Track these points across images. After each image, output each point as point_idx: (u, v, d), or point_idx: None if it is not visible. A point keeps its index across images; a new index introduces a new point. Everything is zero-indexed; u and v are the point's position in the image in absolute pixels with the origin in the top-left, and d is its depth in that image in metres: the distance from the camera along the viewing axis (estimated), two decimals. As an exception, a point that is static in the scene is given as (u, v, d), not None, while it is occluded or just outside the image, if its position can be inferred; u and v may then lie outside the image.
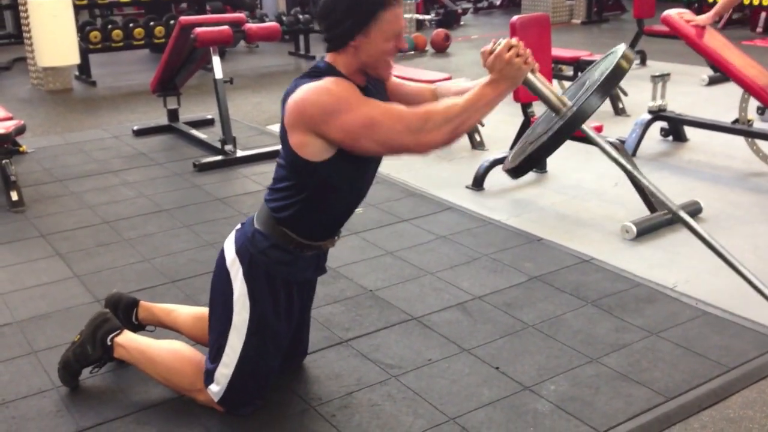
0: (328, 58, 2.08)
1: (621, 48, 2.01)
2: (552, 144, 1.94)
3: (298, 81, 2.04)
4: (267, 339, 2.22)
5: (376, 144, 1.96)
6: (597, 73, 2.05)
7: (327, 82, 1.97)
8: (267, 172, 4.65)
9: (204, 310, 2.52)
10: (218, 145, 4.91)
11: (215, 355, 2.24)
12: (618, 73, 1.93)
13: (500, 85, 1.96)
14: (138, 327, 2.58)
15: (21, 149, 5.08)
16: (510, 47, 1.95)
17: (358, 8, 1.96)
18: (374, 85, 2.17)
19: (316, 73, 2.04)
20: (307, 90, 1.97)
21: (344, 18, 1.98)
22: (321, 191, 2.10)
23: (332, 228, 2.25)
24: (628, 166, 2.11)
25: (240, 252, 2.19)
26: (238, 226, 2.30)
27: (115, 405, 2.34)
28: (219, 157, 4.82)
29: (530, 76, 2.00)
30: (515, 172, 2.04)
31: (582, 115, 1.91)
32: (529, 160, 1.99)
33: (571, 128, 1.92)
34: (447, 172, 4.55)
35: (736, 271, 2.11)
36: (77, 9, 7.52)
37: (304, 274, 2.26)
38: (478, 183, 4.27)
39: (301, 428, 2.23)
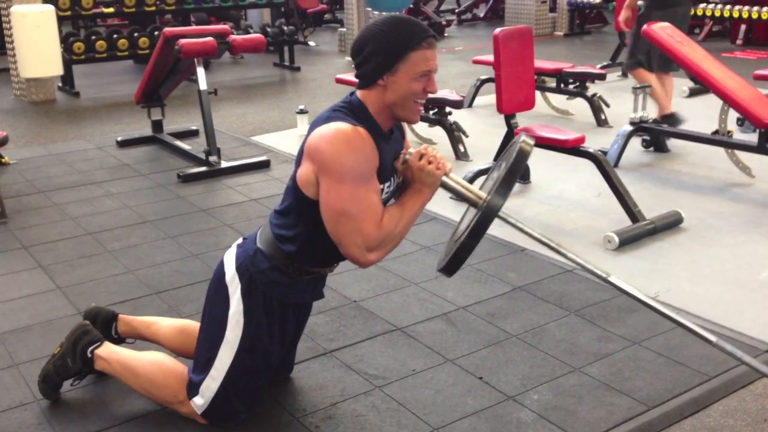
0: (360, 94, 2.08)
1: (520, 138, 2.08)
2: (471, 242, 1.98)
3: (332, 113, 2.04)
4: (257, 357, 2.21)
5: (334, 230, 2.02)
6: (503, 164, 2.12)
7: (355, 137, 1.96)
8: (251, 183, 4.66)
9: (185, 323, 2.51)
10: (202, 156, 4.91)
11: (203, 366, 2.23)
12: (516, 167, 1.99)
13: (422, 193, 2.08)
14: (118, 341, 2.56)
15: (3, 160, 5.05)
16: (420, 156, 2.04)
17: (387, 47, 1.99)
18: (399, 130, 2.20)
19: (349, 111, 2.04)
20: (335, 132, 1.97)
21: (373, 56, 2.00)
22: (319, 226, 2.09)
23: (333, 260, 2.26)
24: (552, 244, 2.20)
25: (240, 269, 2.19)
26: (239, 240, 2.30)
27: (96, 417, 2.33)
28: (203, 168, 4.82)
29: (445, 179, 2.10)
30: (447, 271, 2.08)
31: (491, 213, 1.97)
32: (456, 259, 2.03)
33: (484, 226, 1.98)
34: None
35: (673, 320, 2.15)
36: (60, 20, 7.49)
37: (301, 297, 2.27)
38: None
39: (284, 439, 2.23)
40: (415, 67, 2.00)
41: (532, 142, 2.06)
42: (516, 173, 2.00)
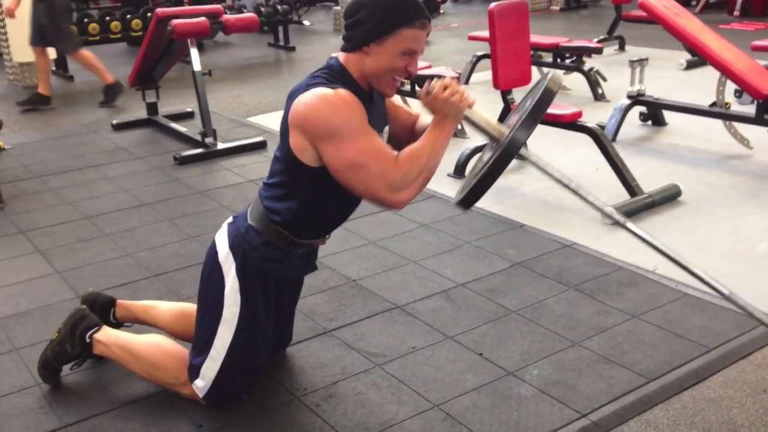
0: (342, 57, 2.06)
1: (549, 73, 2.05)
2: (493, 173, 1.98)
3: (311, 80, 2.02)
4: (256, 334, 2.21)
5: (359, 185, 1.98)
6: (529, 101, 2.09)
7: (338, 98, 1.95)
8: (248, 164, 4.64)
9: (184, 306, 2.51)
10: (198, 137, 4.88)
11: (202, 348, 2.22)
12: (544, 100, 1.97)
13: (445, 125, 2.01)
14: (116, 325, 2.56)
15: (-2, 146, 5.03)
16: (445, 87, 2.00)
17: (381, 16, 1.96)
18: (379, 94, 2.17)
19: (329, 75, 2.02)
20: (318, 99, 1.95)
21: (365, 21, 1.97)
22: (314, 194, 2.09)
23: (325, 229, 2.25)
24: (572, 186, 2.17)
25: (233, 247, 2.18)
26: (230, 219, 2.29)
27: (98, 401, 2.33)
28: (199, 150, 4.80)
29: (468, 112, 2.06)
30: (464, 204, 2.07)
31: (514, 145, 1.96)
32: (475, 192, 2.02)
33: (506, 158, 1.97)
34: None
35: (688, 270, 2.14)
36: (52, 3, 7.40)
37: (294, 271, 2.27)
38: (459, 171, 4.28)
39: (286, 419, 2.23)
40: (403, 43, 1.98)
41: (560, 81, 2.03)
42: (542, 110, 1.96)
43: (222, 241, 2.22)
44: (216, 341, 2.20)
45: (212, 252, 2.24)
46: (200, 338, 2.24)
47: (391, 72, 2.02)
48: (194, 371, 2.24)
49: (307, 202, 2.11)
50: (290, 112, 2.01)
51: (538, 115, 1.97)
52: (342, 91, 1.96)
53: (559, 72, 2.07)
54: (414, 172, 1.97)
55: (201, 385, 2.23)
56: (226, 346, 2.19)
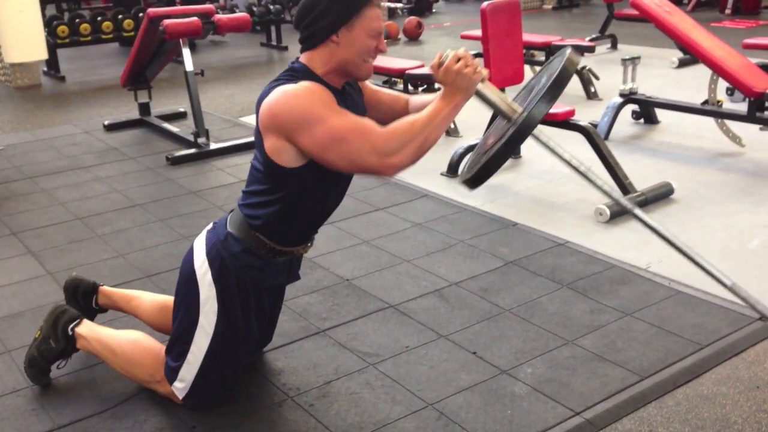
0: (303, 58, 2.05)
1: (566, 51, 2.02)
2: (506, 151, 1.95)
3: (272, 84, 2.01)
4: (234, 341, 2.20)
5: (343, 160, 1.95)
6: (544, 78, 2.06)
7: (302, 88, 1.94)
8: (241, 164, 4.63)
9: (166, 299, 2.50)
10: (191, 138, 4.87)
11: (179, 352, 2.21)
12: (564, 77, 1.94)
13: (454, 97, 1.97)
14: (99, 311, 2.56)
15: (-11, 147, 5.01)
16: (458, 59, 1.96)
17: (342, 2, 1.96)
18: (352, 87, 2.16)
19: (291, 76, 2.01)
20: (281, 95, 1.94)
21: (326, 13, 1.96)
22: (295, 197, 2.08)
23: (306, 234, 2.24)
24: (581, 168, 2.14)
25: (210, 254, 2.17)
26: (210, 225, 2.28)
27: (91, 401, 2.32)
28: (192, 150, 4.79)
29: (480, 85, 2.03)
30: (473, 182, 2.03)
31: (531, 121, 1.92)
32: (486, 169, 1.98)
33: (522, 135, 1.93)
34: (421, 160, 4.54)
35: (692, 260, 2.13)
36: (44, 3, 7.41)
37: (275, 279, 2.25)
38: (452, 170, 4.27)
39: (279, 418, 2.23)
40: (371, 22, 1.98)
41: (579, 58, 1.99)
42: (561, 85, 1.92)
43: (199, 247, 2.21)
44: (193, 347, 2.18)
45: (188, 258, 2.23)
46: (177, 342, 2.23)
47: (365, 54, 2.01)
48: (172, 373, 2.23)
49: (288, 206, 2.09)
50: (259, 118, 2.01)
51: (557, 91, 1.92)
52: (305, 83, 1.95)
53: (577, 55, 2.05)
54: (404, 137, 1.92)
55: (180, 386, 2.23)
56: (203, 351, 2.18)
